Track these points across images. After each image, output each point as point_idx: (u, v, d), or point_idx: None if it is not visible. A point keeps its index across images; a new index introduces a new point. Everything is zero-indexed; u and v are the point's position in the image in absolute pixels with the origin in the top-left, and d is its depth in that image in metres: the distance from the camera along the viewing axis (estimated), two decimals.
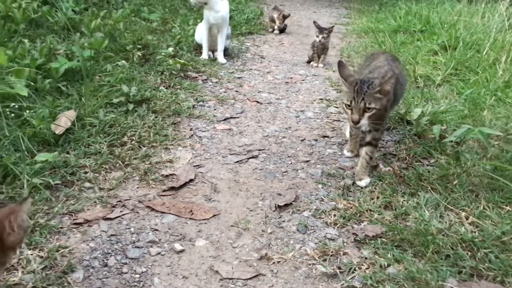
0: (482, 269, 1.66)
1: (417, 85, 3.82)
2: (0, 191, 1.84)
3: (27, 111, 2.25)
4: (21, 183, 1.89)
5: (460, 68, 4.20)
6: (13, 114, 2.22)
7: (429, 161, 2.54)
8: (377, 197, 2.12)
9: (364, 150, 2.29)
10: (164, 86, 3.27)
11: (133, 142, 2.41)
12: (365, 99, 2.03)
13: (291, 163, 2.48)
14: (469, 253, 1.75)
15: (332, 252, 1.76)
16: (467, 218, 1.98)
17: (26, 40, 3.30)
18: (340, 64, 2.19)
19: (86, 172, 2.11)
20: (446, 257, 1.73)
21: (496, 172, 2.29)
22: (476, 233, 1.87)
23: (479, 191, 2.16)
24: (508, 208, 2.03)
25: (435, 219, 1.95)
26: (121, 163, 2.22)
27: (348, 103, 2.06)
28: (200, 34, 4.22)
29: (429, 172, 2.35)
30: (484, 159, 2.39)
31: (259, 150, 2.60)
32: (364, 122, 2.08)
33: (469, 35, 4.86)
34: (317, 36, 4.36)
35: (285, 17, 5.90)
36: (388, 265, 1.68)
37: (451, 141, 2.41)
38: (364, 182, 2.25)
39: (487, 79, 3.86)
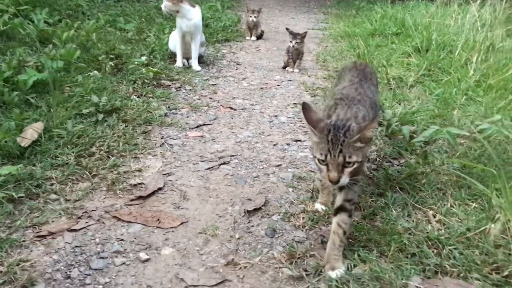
0: (447, 266, 1.67)
1: (389, 87, 3.86)
2: None
3: None
4: None
5: (433, 69, 4.26)
6: None
7: (399, 162, 2.56)
8: None
9: (335, 222, 1.71)
10: (136, 95, 3.26)
11: (101, 152, 2.39)
12: (344, 151, 1.56)
13: (262, 168, 2.48)
14: (435, 251, 1.76)
15: (299, 254, 1.76)
16: (434, 216, 2.00)
17: None
18: (305, 107, 1.66)
19: (52, 184, 2.09)
20: (411, 255, 1.73)
21: (464, 170, 2.32)
22: (443, 231, 1.89)
23: (446, 189, 2.18)
24: (474, 204, 2.05)
25: (403, 218, 1.96)
26: (88, 174, 2.20)
27: (323, 158, 1.59)
28: (174, 42, 4.22)
29: (398, 172, 2.37)
30: (453, 157, 2.42)
31: (231, 156, 2.60)
32: (345, 180, 1.60)
33: (441, 36, 4.92)
34: (291, 42, 4.38)
35: (254, 11, 5.82)
36: (355, 266, 1.68)
37: (420, 141, 2.43)
38: (336, 272, 1.65)
39: (459, 79, 3.92)
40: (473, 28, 4.99)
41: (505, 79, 3.67)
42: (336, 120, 1.65)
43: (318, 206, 2.09)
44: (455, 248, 1.75)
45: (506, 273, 1.62)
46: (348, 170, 1.59)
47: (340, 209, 1.73)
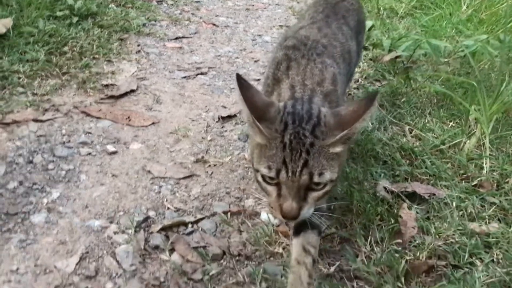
0: (418, 174, 1.67)
1: (380, 16, 3.75)
2: None
3: None
4: None
5: (425, 3, 4.14)
6: None
7: (381, 83, 2.51)
8: None
9: (299, 245, 1.12)
10: (114, 4, 3.10)
11: (73, 52, 2.28)
12: (311, 164, 0.94)
13: None
14: (407, 161, 1.75)
15: None
16: (410, 132, 1.98)
17: None
18: (242, 82, 1.00)
19: (19, 78, 1.99)
20: (383, 163, 1.72)
21: (448, 89, 2.28)
22: (417, 143, 1.87)
23: (426, 108, 2.15)
24: (451, 123, 2.03)
25: (378, 131, 1.94)
26: (58, 71, 2.10)
27: (272, 174, 0.96)
28: None
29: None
30: (434, 78, 2.37)
31: (210, 68, 2.51)
32: (309, 212, 1.00)
33: None
34: None
35: None
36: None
37: (401, 57, 2.37)
38: None
39: (450, 14, 3.81)
40: None
41: (496, 14, 3.58)
42: (295, 103, 1.03)
43: (265, 215, 1.39)
44: (428, 159, 1.73)
45: (475, 182, 1.63)
46: (315, 195, 0.97)
47: (303, 225, 1.11)
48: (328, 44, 1.28)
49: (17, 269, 1.15)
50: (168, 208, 1.42)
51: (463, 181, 1.64)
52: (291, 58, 1.20)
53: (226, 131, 1.92)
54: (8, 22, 2.28)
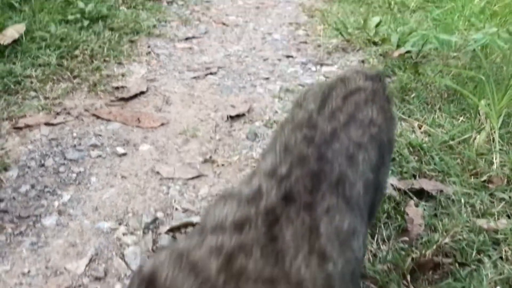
0: (426, 170, 1.66)
1: (391, 10, 3.72)
2: None
3: None
4: None
5: None
6: None
7: (390, 78, 2.49)
8: None
9: None
10: (125, 7, 3.14)
11: (84, 56, 2.32)
12: None
13: (250, 80, 2.42)
14: (416, 157, 1.74)
15: None
16: (420, 128, 1.96)
17: None
18: None
19: (32, 82, 2.04)
20: (391, 160, 1.71)
21: (458, 83, 2.25)
22: (426, 139, 1.86)
23: (435, 103, 2.13)
24: (461, 118, 2.01)
25: None
26: (69, 75, 2.15)
27: None
28: None
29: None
30: (444, 73, 2.35)
31: (219, 67, 2.53)
32: None
33: None
34: None
35: None
36: None
37: (410, 52, 2.35)
38: None
39: (463, 6, 3.77)
40: None
41: (510, 5, 3.52)
42: None
43: None
44: (436, 155, 1.72)
45: (484, 178, 1.61)
46: None
47: None
48: None
49: (29, 271, 1.19)
50: (176, 209, 1.45)
51: (472, 177, 1.62)
52: None
53: (234, 130, 1.93)
54: (21, 27, 2.34)
